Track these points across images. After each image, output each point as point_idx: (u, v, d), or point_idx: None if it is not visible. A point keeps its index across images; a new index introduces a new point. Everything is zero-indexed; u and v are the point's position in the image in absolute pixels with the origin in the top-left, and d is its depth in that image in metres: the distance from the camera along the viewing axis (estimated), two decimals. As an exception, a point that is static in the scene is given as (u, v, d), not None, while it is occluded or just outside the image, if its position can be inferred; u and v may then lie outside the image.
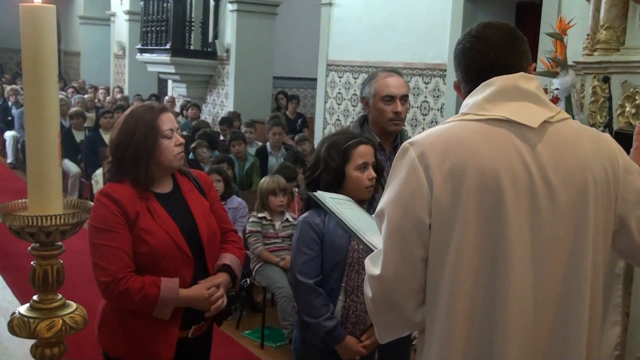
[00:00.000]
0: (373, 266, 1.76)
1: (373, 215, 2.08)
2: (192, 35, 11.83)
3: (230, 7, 11.31)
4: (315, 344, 2.73)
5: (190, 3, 11.72)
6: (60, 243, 1.88)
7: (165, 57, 11.68)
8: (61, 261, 1.89)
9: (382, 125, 3.10)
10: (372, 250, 1.89)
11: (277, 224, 5.16)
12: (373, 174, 2.73)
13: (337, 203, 2.28)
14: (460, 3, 7.28)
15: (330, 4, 9.11)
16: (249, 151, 8.08)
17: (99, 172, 8.39)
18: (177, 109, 11.87)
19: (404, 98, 3.09)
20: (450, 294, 1.65)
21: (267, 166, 7.56)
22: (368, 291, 1.77)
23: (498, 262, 1.64)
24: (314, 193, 2.41)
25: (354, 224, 2.11)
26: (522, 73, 1.76)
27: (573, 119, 4.54)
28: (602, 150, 1.76)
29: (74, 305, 1.92)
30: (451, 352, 1.67)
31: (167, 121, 2.59)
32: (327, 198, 2.32)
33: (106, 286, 2.47)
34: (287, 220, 5.21)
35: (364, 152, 2.72)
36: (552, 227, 1.66)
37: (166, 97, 12.56)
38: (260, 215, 5.12)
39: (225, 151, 8.06)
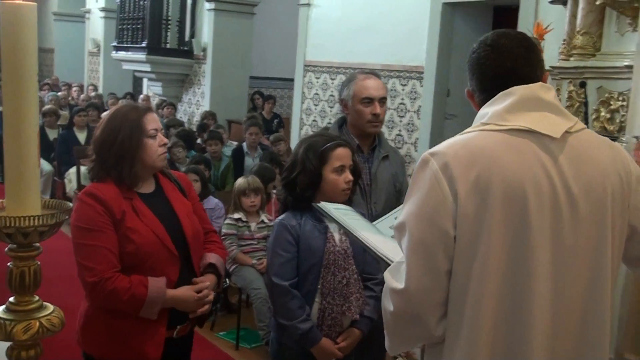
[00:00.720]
0: (395, 280, 1.73)
1: (390, 226, 2.09)
2: (169, 34, 11.75)
3: (207, 5, 11.25)
4: (292, 346, 2.73)
5: (167, 1, 11.62)
6: (38, 244, 1.86)
7: (141, 55, 11.58)
8: (38, 262, 1.87)
9: (361, 127, 3.10)
10: (387, 263, 1.88)
11: (253, 225, 5.14)
12: (350, 177, 2.73)
13: (343, 214, 2.28)
14: (438, 6, 7.33)
15: (308, 5, 9.11)
16: (224, 151, 8.05)
17: (72, 171, 8.31)
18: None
19: (383, 100, 3.10)
20: (476, 306, 1.64)
21: (243, 166, 7.53)
22: (389, 305, 1.74)
23: (522, 274, 1.63)
24: (318, 204, 2.41)
25: (365, 237, 2.08)
26: (541, 83, 1.77)
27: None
28: (617, 160, 1.77)
29: (51, 307, 1.90)
30: None
31: (152, 121, 2.61)
32: (331, 209, 2.31)
33: (93, 286, 2.45)
34: (262, 221, 5.20)
35: (341, 155, 2.72)
36: (574, 238, 1.66)
37: (141, 96, 12.45)
38: (235, 216, 5.10)
39: (201, 151, 8.02)
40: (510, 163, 1.64)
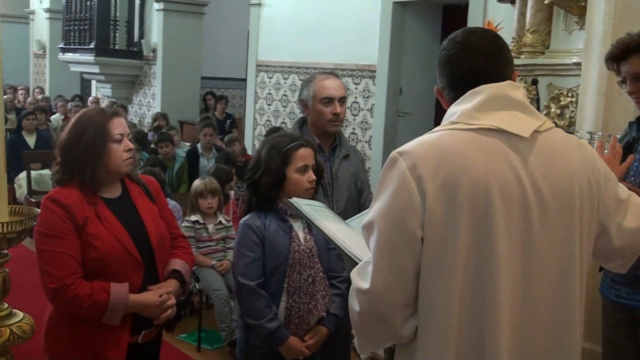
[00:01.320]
0: (361, 280, 1.72)
1: (354, 223, 2.11)
2: (117, 35, 11.58)
3: (156, 6, 11.14)
4: (259, 345, 2.75)
5: (115, 2, 11.47)
6: (6, 251, 1.84)
7: (89, 57, 11.40)
8: (7, 269, 1.86)
9: (322, 127, 3.14)
10: (355, 261, 1.87)
11: (211, 227, 5.14)
12: (313, 177, 2.77)
13: (314, 210, 2.28)
14: (389, 5, 7.41)
15: (259, 4, 9.11)
16: (178, 153, 8.00)
17: (22, 176, 8.15)
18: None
19: (342, 99, 3.15)
20: (444, 306, 1.63)
21: (198, 168, 7.49)
22: (355, 305, 1.73)
23: (486, 273, 1.63)
24: (289, 200, 2.42)
25: (334, 234, 2.07)
26: (509, 81, 1.76)
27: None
28: (586, 159, 1.78)
29: (20, 314, 1.89)
30: None
31: (118, 126, 2.59)
32: (302, 205, 2.32)
33: (55, 292, 2.44)
34: (220, 222, 5.20)
35: (304, 155, 2.75)
36: (543, 237, 1.67)
37: (90, 98, 12.26)
38: (193, 219, 5.08)
39: (153, 153, 7.95)
40: (479, 163, 1.63)
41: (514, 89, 1.75)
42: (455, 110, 1.75)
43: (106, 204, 2.59)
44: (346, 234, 2.07)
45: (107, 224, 2.53)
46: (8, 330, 1.82)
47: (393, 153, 1.71)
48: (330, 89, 3.11)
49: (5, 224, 1.73)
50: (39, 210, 1.92)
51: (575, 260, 1.72)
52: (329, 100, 3.10)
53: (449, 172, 1.63)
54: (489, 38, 1.78)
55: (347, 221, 2.28)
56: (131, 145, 2.63)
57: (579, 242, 1.72)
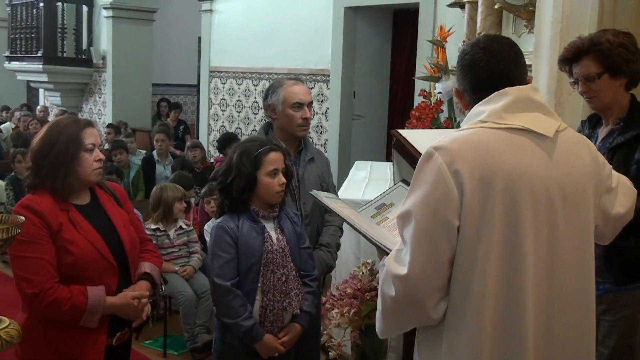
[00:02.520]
0: (399, 265, 1.85)
1: (372, 215, 2.26)
2: (65, 43, 11.44)
3: (105, 13, 11.05)
4: (235, 344, 2.81)
5: (62, 9, 11.32)
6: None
7: (37, 65, 11.25)
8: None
9: (291, 131, 3.23)
10: (384, 250, 2.00)
11: (172, 233, 5.15)
12: (283, 180, 2.85)
13: (334, 202, 2.39)
14: (340, 10, 7.55)
15: (211, 11, 9.14)
16: (133, 160, 7.97)
17: (-26, 186, 7.99)
18: (51, 119, 11.43)
19: (310, 104, 3.25)
20: (481, 289, 1.78)
21: (154, 175, 7.47)
22: (390, 290, 1.86)
23: (515, 261, 1.79)
24: (312, 192, 2.56)
25: (360, 225, 2.19)
26: (531, 85, 1.94)
27: (454, 121, 4.86)
28: (594, 156, 1.99)
29: (7, 320, 1.91)
30: (482, 345, 1.80)
31: (91, 136, 2.63)
32: (323, 197, 2.43)
33: (33, 298, 2.46)
34: (180, 227, 5.22)
35: (274, 159, 2.84)
36: (565, 227, 1.85)
37: (38, 107, 12.06)
38: (153, 227, 5.09)
39: (108, 160, 7.90)
40: (510, 159, 1.80)
41: (535, 92, 1.93)
42: (482, 110, 1.90)
43: (78, 210, 2.63)
44: (370, 226, 2.21)
45: (82, 229, 2.58)
46: (-4, 337, 1.84)
47: (429, 148, 1.86)
48: (300, 94, 3.20)
49: (-10, 232, 1.75)
50: (23, 219, 1.95)
51: (590, 249, 1.92)
52: (300, 105, 3.19)
53: (485, 167, 1.78)
54: (509, 45, 1.95)
55: (359, 210, 2.39)
56: (102, 156, 2.69)
57: (592, 232, 1.93)
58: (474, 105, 1.95)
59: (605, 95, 2.61)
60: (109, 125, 9.74)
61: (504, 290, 1.79)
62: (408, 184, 2.03)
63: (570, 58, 2.65)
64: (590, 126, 2.79)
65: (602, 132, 2.71)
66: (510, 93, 1.88)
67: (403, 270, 1.82)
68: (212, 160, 8.30)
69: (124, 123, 10.12)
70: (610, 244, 2.23)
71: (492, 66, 1.91)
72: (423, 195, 1.82)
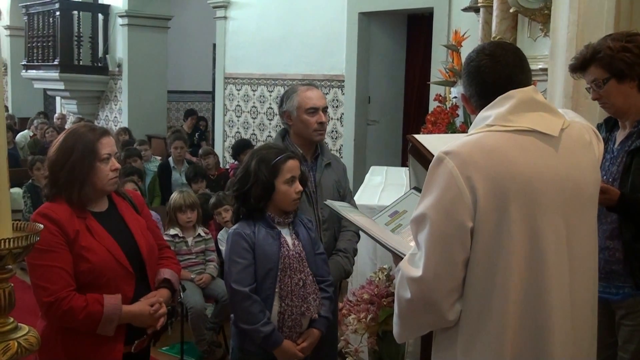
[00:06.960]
0: (413, 268, 1.88)
1: (385, 222, 2.29)
2: (82, 51, 11.55)
3: (120, 21, 11.13)
4: (254, 351, 2.81)
5: (78, 18, 11.43)
6: (10, 266, 1.88)
7: (54, 74, 11.35)
8: (12, 284, 1.90)
9: (308, 137, 3.23)
10: (401, 256, 2.02)
11: (190, 240, 5.16)
12: (300, 188, 2.86)
13: (349, 211, 2.41)
14: (354, 16, 7.55)
15: (225, 18, 9.17)
16: (149, 167, 7.99)
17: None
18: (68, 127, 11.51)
19: (325, 109, 3.26)
20: (504, 291, 1.81)
21: (170, 181, 7.50)
22: (405, 293, 1.90)
23: (538, 257, 1.83)
24: (326, 202, 2.61)
25: (375, 233, 2.22)
26: (533, 86, 1.97)
27: (469, 125, 4.86)
28: (596, 152, 2.06)
29: (26, 327, 1.92)
30: (504, 346, 1.83)
31: (107, 145, 2.63)
32: (338, 207, 2.45)
33: (49, 306, 2.47)
34: (199, 235, 5.22)
35: (292, 167, 2.85)
36: (581, 227, 1.90)
37: (56, 115, 12.17)
38: (172, 232, 5.10)
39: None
40: (519, 160, 1.84)
41: (537, 92, 1.97)
42: (488, 114, 1.94)
43: (95, 217, 2.63)
44: (385, 233, 2.26)
45: (98, 236, 2.58)
46: (16, 344, 1.84)
47: (439, 152, 1.90)
48: (314, 99, 3.21)
49: (11, 240, 1.76)
50: (42, 226, 1.96)
51: (597, 246, 2.00)
52: (314, 110, 3.20)
53: (496, 169, 1.82)
54: (514, 51, 2.00)
55: (373, 218, 2.41)
56: (117, 165, 2.68)
57: (597, 228, 2.01)
58: (481, 110, 1.99)
59: (616, 100, 2.61)
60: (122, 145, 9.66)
61: (529, 292, 1.83)
62: (419, 191, 2.07)
63: (578, 67, 2.67)
64: (607, 129, 2.77)
65: (620, 135, 2.70)
66: (514, 95, 1.92)
67: (417, 272, 1.86)
68: (227, 166, 8.31)
69: (124, 130, 10.05)
70: (630, 248, 2.22)
71: (498, 72, 1.95)
72: (436, 198, 1.85)
